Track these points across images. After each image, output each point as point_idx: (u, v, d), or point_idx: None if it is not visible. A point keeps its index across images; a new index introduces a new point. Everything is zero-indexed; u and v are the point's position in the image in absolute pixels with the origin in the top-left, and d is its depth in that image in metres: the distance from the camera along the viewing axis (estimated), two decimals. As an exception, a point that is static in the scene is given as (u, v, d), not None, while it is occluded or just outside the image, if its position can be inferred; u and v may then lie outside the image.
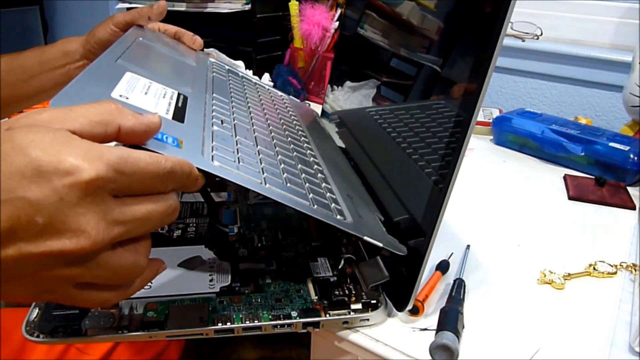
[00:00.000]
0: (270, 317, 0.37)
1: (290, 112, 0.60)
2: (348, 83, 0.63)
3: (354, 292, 0.40)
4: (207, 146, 0.34)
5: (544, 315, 0.42)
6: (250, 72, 0.93)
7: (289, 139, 0.49)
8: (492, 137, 0.84)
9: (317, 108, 0.90)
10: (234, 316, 0.37)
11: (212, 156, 0.33)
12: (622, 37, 0.97)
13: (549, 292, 0.45)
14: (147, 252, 0.29)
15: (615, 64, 0.93)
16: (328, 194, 0.41)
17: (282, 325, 0.37)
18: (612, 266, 0.48)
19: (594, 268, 0.48)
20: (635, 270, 0.48)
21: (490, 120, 0.84)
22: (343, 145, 0.60)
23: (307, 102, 0.97)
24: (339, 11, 0.94)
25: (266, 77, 0.93)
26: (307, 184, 0.40)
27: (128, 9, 1.11)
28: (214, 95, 0.47)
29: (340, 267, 0.44)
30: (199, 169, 0.30)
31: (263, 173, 0.36)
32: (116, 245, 0.26)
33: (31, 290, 0.25)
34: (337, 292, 0.40)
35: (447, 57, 0.40)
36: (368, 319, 0.38)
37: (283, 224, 0.50)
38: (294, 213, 0.52)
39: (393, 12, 0.52)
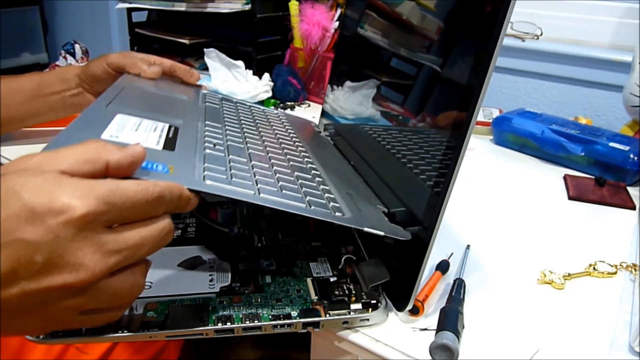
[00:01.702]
0: (270, 317, 0.37)
1: (287, 127, 0.62)
2: (348, 83, 0.63)
3: (354, 292, 0.40)
4: (198, 168, 0.35)
5: (544, 315, 0.42)
6: (250, 72, 0.93)
7: (285, 151, 0.50)
8: (492, 137, 0.84)
9: (317, 108, 0.90)
10: (234, 316, 0.37)
11: (204, 176, 0.34)
12: (622, 37, 0.97)
13: (549, 292, 0.45)
14: (145, 272, 0.30)
15: (615, 64, 0.93)
16: (326, 194, 0.41)
17: (282, 325, 0.37)
18: (612, 266, 0.48)
19: (594, 268, 0.48)
20: (635, 270, 0.48)
21: (490, 120, 0.84)
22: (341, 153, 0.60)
23: (307, 102, 0.97)
24: (339, 11, 0.94)
25: (266, 77, 0.93)
26: (304, 189, 0.40)
27: (128, 9, 1.12)
28: (207, 122, 0.48)
29: (340, 267, 0.44)
30: (191, 190, 0.31)
31: (257, 184, 0.37)
32: (115, 271, 0.27)
33: (39, 323, 0.27)
34: (337, 292, 0.40)
35: (447, 57, 0.40)
36: (368, 319, 0.38)
37: (283, 223, 0.50)
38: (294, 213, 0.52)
39: (393, 12, 0.52)
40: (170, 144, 0.37)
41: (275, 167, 0.43)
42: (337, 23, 0.93)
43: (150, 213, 0.28)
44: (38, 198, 0.24)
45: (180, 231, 0.48)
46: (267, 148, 0.48)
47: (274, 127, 0.59)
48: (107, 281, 0.27)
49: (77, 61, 0.99)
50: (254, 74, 0.94)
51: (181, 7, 1.02)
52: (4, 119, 0.61)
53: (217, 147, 0.41)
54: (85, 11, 2.07)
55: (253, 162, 0.42)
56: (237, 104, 0.64)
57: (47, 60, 2.21)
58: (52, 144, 0.30)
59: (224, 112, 0.56)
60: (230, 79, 0.92)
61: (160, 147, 0.36)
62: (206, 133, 0.44)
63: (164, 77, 0.63)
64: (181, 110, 0.49)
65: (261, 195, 0.35)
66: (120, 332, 0.35)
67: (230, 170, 0.37)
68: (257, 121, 0.59)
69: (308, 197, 0.39)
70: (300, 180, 0.42)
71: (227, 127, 0.50)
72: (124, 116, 0.39)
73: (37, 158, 0.27)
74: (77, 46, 1.00)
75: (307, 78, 0.99)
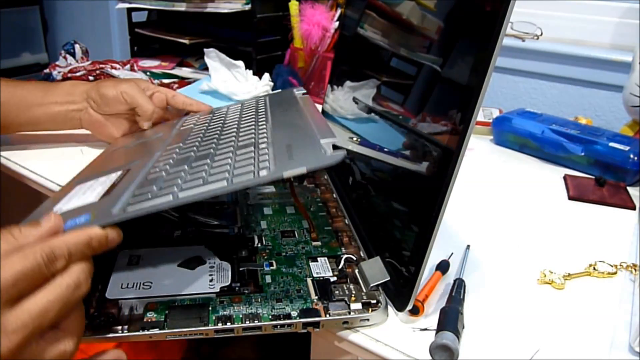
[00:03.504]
0: (270, 317, 0.37)
1: (260, 108, 0.61)
2: (348, 83, 0.63)
3: (354, 292, 0.40)
4: (123, 200, 0.37)
5: (544, 315, 0.42)
6: (250, 72, 0.93)
7: (240, 135, 0.49)
8: (492, 137, 0.84)
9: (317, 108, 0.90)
10: (234, 316, 0.37)
11: (129, 203, 0.36)
12: (622, 37, 0.97)
13: (549, 292, 0.45)
14: (74, 334, 0.30)
15: (615, 64, 0.93)
16: (260, 158, 0.40)
17: (282, 325, 0.37)
18: (612, 266, 0.48)
19: (594, 268, 0.48)
20: (635, 270, 0.48)
21: (490, 120, 0.84)
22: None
23: (307, 102, 0.97)
24: (339, 11, 0.94)
25: (266, 77, 0.93)
26: (236, 165, 0.39)
27: (128, 9, 1.12)
28: (167, 147, 0.50)
29: (340, 267, 0.44)
30: (103, 226, 0.32)
31: (180, 186, 0.37)
32: (37, 339, 0.28)
33: None
34: (337, 292, 0.40)
35: (447, 57, 0.40)
36: (368, 319, 0.38)
37: (283, 224, 0.50)
38: (294, 214, 0.52)
39: (393, 12, 0.52)
40: (110, 190, 0.41)
41: (215, 158, 0.43)
42: (337, 23, 0.93)
43: (47, 275, 0.29)
44: None
45: (180, 231, 0.48)
46: (220, 142, 0.48)
47: (245, 117, 0.58)
48: (29, 351, 0.27)
49: (77, 61, 0.99)
50: (254, 74, 0.94)
51: (181, 7, 1.02)
52: (3, 122, 0.61)
53: (156, 169, 0.43)
54: (85, 11, 2.07)
55: (191, 163, 0.42)
56: (230, 108, 0.65)
57: (47, 60, 2.20)
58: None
59: (199, 126, 0.58)
60: (230, 79, 0.92)
61: (97, 198, 0.40)
62: (158, 159, 0.47)
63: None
64: (146, 150, 0.54)
65: (180, 194, 0.35)
66: (120, 332, 0.35)
67: (154, 185, 0.38)
68: (240, 117, 0.58)
69: (234, 171, 0.38)
70: (236, 158, 0.41)
71: (187, 142, 0.51)
72: (81, 185, 0.45)
73: None
74: (77, 46, 1.00)
75: (307, 78, 0.99)
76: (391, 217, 0.46)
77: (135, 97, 0.62)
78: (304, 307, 0.38)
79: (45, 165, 0.62)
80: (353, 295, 0.40)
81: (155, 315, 0.36)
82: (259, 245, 0.46)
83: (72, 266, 0.30)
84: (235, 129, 0.52)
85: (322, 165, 0.37)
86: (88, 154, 0.65)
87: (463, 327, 0.38)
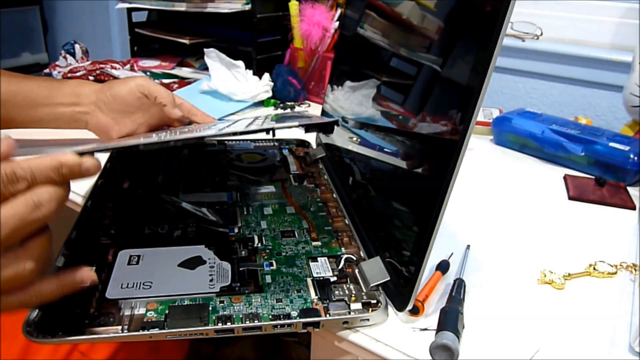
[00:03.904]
0: (270, 317, 0.37)
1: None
2: (348, 83, 0.63)
3: (354, 292, 0.40)
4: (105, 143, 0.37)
5: (544, 315, 0.42)
6: (250, 72, 0.93)
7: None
8: (492, 137, 0.84)
9: (317, 108, 0.90)
10: (234, 316, 0.37)
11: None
12: (622, 37, 0.97)
13: (549, 292, 0.45)
14: (35, 256, 0.30)
15: (615, 64, 0.93)
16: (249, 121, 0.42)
17: (282, 325, 0.37)
18: (612, 266, 0.48)
19: (594, 268, 0.48)
20: (635, 270, 0.48)
21: (490, 120, 0.84)
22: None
23: (307, 101, 0.97)
24: (339, 11, 0.94)
25: (266, 77, 0.93)
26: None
27: (128, 9, 1.12)
28: None
29: (340, 267, 0.44)
30: (81, 153, 0.31)
31: (164, 135, 0.37)
32: None
33: None
34: (337, 292, 0.40)
35: (447, 57, 0.40)
36: (368, 319, 0.38)
37: (283, 223, 0.50)
38: (294, 214, 0.52)
39: (393, 12, 0.52)
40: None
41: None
42: (337, 23, 0.93)
43: (6, 195, 0.29)
44: None
45: (180, 231, 0.48)
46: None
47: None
48: None
49: (77, 61, 0.99)
50: (254, 74, 0.94)
51: (181, 7, 1.02)
52: (4, 119, 0.61)
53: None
54: (85, 11, 2.07)
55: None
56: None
57: (47, 60, 2.21)
58: None
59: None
60: (230, 79, 0.92)
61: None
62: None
63: None
64: None
65: (164, 137, 0.35)
66: (120, 331, 0.35)
67: (141, 137, 0.38)
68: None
69: (225, 127, 0.39)
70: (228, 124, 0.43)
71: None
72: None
73: None
74: (77, 46, 1.00)
75: (307, 78, 0.99)
76: (391, 217, 0.46)
77: (151, 88, 0.60)
78: (304, 307, 0.38)
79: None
80: (353, 295, 0.40)
81: (155, 315, 0.36)
82: (259, 245, 0.46)
83: (35, 188, 0.29)
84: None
85: (313, 121, 0.38)
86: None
87: (463, 327, 0.38)
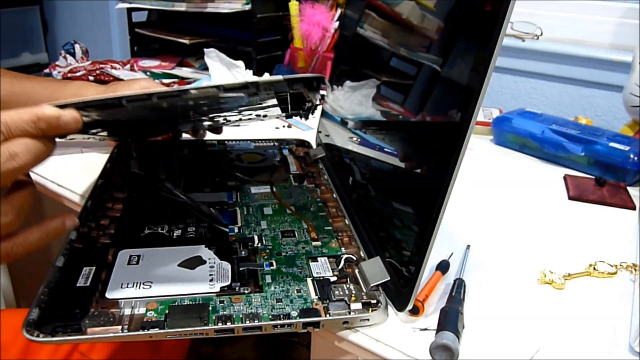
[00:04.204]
0: (270, 317, 0.37)
1: None
2: (348, 83, 0.63)
3: (354, 292, 0.40)
4: None
5: (544, 315, 0.42)
6: (250, 72, 0.93)
7: None
8: (492, 137, 0.84)
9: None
10: (234, 316, 0.37)
11: None
12: (622, 37, 0.97)
13: (549, 292, 0.45)
14: (15, 207, 0.31)
15: (615, 64, 0.93)
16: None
17: (282, 325, 0.37)
18: (612, 266, 0.48)
19: (594, 268, 0.48)
20: (635, 270, 0.48)
21: (490, 120, 0.84)
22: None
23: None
24: (339, 11, 0.94)
25: (266, 77, 0.93)
26: None
27: (128, 9, 1.12)
28: None
29: (340, 267, 0.44)
30: (61, 106, 0.31)
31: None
32: None
33: None
34: (337, 292, 0.40)
35: (447, 57, 0.40)
36: (368, 319, 0.38)
37: (283, 223, 0.50)
38: (296, 212, 0.52)
39: (393, 12, 0.52)
40: None
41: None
42: (337, 23, 0.93)
43: None
44: None
45: (180, 231, 0.48)
46: None
47: None
48: None
49: (77, 61, 0.99)
50: (254, 74, 0.94)
51: (181, 7, 1.02)
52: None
53: None
54: (85, 11, 2.07)
55: None
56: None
57: (47, 60, 2.21)
58: None
59: None
60: (230, 79, 0.92)
61: None
62: None
63: None
64: None
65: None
66: (120, 331, 0.35)
67: None
68: None
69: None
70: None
71: None
72: None
73: None
74: (77, 46, 1.00)
75: (307, 78, 0.99)
76: (391, 217, 0.46)
77: (154, 90, 0.60)
78: (304, 307, 0.38)
79: (44, 165, 0.62)
80: (353, 295, 0.40)
81: (155, 315, 0.36)
82: (259, 245, 0.46)
83: (12, 140, 0.30)
84: None
85: (297, 76, 0.38)
86: (88, 154, 0.65)
87: (463, 327, 0.38)
